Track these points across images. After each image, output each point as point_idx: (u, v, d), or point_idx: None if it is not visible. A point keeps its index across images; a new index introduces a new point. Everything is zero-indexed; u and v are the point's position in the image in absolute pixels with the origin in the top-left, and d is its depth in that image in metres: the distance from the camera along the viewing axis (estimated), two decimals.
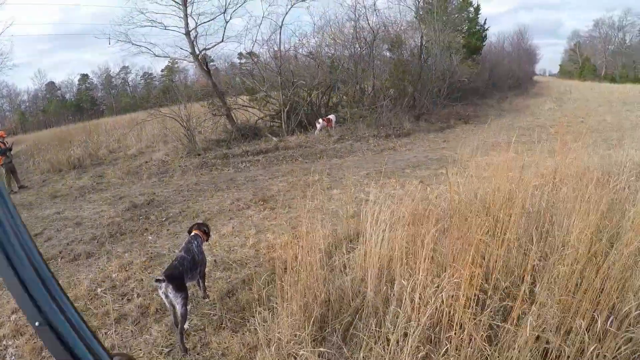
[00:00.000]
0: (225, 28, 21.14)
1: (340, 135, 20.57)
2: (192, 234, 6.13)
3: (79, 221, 11.17)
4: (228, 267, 7.40)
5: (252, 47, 22.85)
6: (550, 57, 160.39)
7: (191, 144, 19.44)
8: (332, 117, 21.98)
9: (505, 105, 32.19)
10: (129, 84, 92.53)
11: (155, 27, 20.78)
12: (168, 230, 9.80)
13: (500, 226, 4.71)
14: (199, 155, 18.61)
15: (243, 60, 32.81)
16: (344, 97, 25.29)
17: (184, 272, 5.40)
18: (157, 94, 25.69)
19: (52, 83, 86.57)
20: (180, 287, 5.18)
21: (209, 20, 20.96)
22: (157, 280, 5.06)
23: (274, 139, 20.49)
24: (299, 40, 24.90)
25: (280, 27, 21.87)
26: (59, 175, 18.70)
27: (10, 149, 16.62)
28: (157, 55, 21.58)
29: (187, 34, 20.99)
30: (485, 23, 39.39)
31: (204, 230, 6.32)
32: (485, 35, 40.13)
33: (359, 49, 24.58)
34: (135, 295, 6.66)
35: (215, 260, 7.67)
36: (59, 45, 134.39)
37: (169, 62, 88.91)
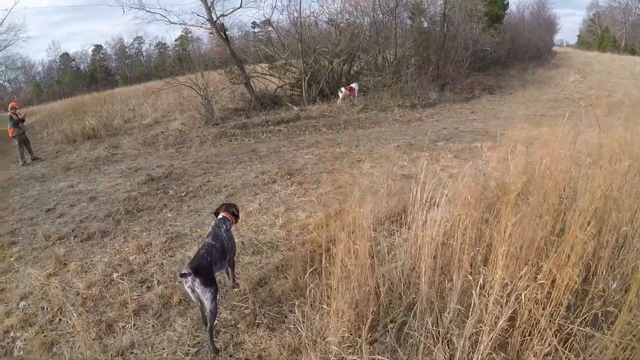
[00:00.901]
0: None
1: (364, 105, 19.80)
2: (220, 216, 5.44)
3: (93, 195, 10.51)
4: (258, 250, 6.68)
5: (272, 13, 21.88)
6: (567, 27, 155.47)
7: (209, 113, 18.72)
8: (354, 85, 21.16)
9: (528, 76, 30.87)
10: (142, 54, 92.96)
11: None
12: (189, 206, 9.08)
13: (592, 215, 3.91)
14: (217, 124, 17.90)
15: (257, 30, 31.95)
16: (365, 65, 24.36)
17: (213, 263, 4.71)
18: (172, 62, 24.56)
19: (66, 54, 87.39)
20: (209, 280, 4.48)
21: None
22: (183, 275, 4.33)
23: (295, 108, 19.77)
24: (320, 6, 23.76)
25: None
26: (72, 146, 18.11)
27: (22, 120, 16.07)
28: (172, 23, 20.70)
29: None
30: None
31: (233, 212, 5.61)
32: (507, 3, 37.83)
33: (380, 15, 23.58)
34: (156, 283, 5.98)
35: (242, 242, 6.95)
36: (71, 18, 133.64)
37: (183, 31, 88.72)
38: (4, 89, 75.09)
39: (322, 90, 21.45)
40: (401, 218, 5.95)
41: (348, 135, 14.98)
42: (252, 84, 21.10)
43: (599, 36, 80.00)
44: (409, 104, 20.03)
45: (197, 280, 4.37)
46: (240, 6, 20.19)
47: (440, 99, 21.48)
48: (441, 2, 25.56)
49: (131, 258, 6.84)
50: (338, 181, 9.49)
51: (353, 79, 22.83)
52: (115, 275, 6.35)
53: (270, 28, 22.70)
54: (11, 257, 7.53)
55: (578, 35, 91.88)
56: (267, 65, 22.98)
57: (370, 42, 23.16)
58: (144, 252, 6.99)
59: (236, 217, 5.68)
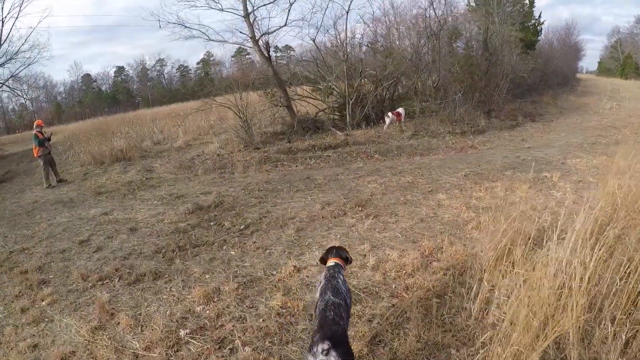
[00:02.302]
0: (289, 11, 18.85)
1: (415, 131, 18.62)
2: (331, 263, 4.35)
3: (133, 226, 9.13)
4: (356, 298, 5.38)
5: (317, 33, 20.61)
6: (586, 54, 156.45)
7: (248, 136, 17.33)
8: (401, 110, 19.90)
9: (561, 102, 30.33)
10: (164, 76, 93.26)
11: (211, 8, 18.53)
12: (254, 242, 7.65)
13: None
14: (258, 149, 16.57)
15: (279, 54, 31.02)
16: (408, 90, 23.19)
17: (346, 328, 3.58)
18: (208, 83, 23.40)
19: (87, 75, 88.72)
20: (348, 353, 3.31)
21: (270, 2, 18.65)
22: (324, 352, 3.13)
23: (339, 133, 18.48)
24: (367, 26, 22.52)
25: (347, 12, 19.68)
26: (101, 169, 16.72)
27: (49, 139, 14.81)
28: (211, 40, 19.33)
29: (246, 16, 18.68)
30: (540, 16, 37.18)
31: (344, 257, 4.49)
32: (541, 30, 38.21)
33: (424, 40, 22.41)
34: (240, 344, 4.58)
35: None
36: (93, 39, 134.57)
37: (205, 54, 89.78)
38: (25, 107, 74.84)
39: (366, 115, 20.21)
40: (507, 257, 5.02)
41: (405, 163, 13.83)
42: (294, 107, 19.73)
43: (620, 63, 79.82)
44: (459, 130, 18.94)
45: (334, 353, 3.17)
46: (285, 24, 18.91)
47: (488, 126, 20.41)
48: (476, 28, 25.78)
49: (198, 309, 5.44)
50: (417, 214, 8.49)
51: (397, 104, 21.62)
52: (182, 332, 4.93)
53: (295, 50, 21.37)
54: (42, 300, 6.18)
55: (599, 62, 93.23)
56: (309, 87, 21.74)
57: (414, 66, 21.90)
58: (214, 301, 5.61)
59: (348, 261, 4.58)
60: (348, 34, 20.80)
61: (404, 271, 5.96)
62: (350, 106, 19.72)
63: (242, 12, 18.75)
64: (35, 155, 14.76)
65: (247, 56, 71.33)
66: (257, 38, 18.58)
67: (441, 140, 17.66)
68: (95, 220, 9.89)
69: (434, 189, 10.25)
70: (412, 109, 21.15)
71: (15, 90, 40.40)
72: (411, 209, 8.78)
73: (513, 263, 4.76)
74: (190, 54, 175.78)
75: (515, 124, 21.67)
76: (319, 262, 4.70)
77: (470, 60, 23.66)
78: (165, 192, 11.95)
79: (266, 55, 18.86)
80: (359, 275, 6.04)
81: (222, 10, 18.45)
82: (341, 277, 4.11)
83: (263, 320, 5.00)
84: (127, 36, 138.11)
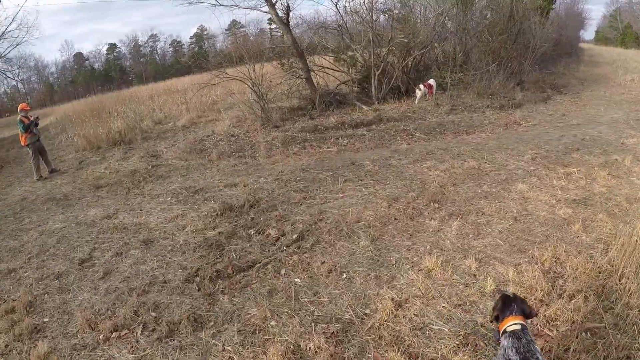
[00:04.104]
0: None
1: (452, 106, 16.77)
2: (513, 324, 3.19)
3: (147, 236, 7.08)
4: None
5: None
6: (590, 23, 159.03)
7: (265, 113, 15.18)
8: (432, 82, 18.06)
9: (578, 73, 29.58)
10: (157, 52, 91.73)
11: None
12: (323, 263, 5.69)
13: None
14: (278, 127, 14.48)
15: (273, 26, 29.02)
16: (433, 61, 21.24)
17: None
18: (215, 55, 20.94)
19: (79, 54, 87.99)
20: None
21: None
22: None
23: (365, 107, 16.51)
24: None
25: None
26: (97, 154, 14.56)
27: (36, 124, 12.57)
28: (220, 4, 16.67)
29: None
30: None
31: (527, 312, 3.37)
32: None
33: (452, 6, 20.31)
34: None
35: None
36: (82, 17, 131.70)
37: (198, 28, 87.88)
38: (17, 89, 72.83)
39: (397, 87, 18.30)
40: None
41: (457, 143, 12.09)
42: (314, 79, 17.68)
43: (620, 32, 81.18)
44: (497, 104, 17.38)
45: None
46: None
47: (523, 99, 18.97)
48: None
49: None
50: (506, 211, 7.10)
51: (423, 75, 19.70)
52: None
53: (337, 13, 18.77)
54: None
55: (596, 31, 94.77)
56: (330, 58, 19.58)
57: (436, 34, 19.94)
58: None
59: (530, 315, 3.44)
60: None
61: (533, 296, 4.70)
62: (376, 78, 17.69)
63: None
64: (22, 143, 12.58)
65: (241, 29, 69.44)
66: (274, 1, 16.21)
67: (481, 115, 16.01)
68: (97, 226, 7.86)
69: (508, 177, 8.85)
70: (443, 81, 19.23)
71: (5, 72, 38.56)
72: (496, 205, 7.33)
73: None
74: (182, 29, 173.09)
75: (547, 97, 20.45)
76: (491, 321, 3.60)
77: (500, 27, 21.53)
78: (179, 185, 9.84)
79: (285, 21, 16.50)
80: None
81: None
82: (533, 344, 3.02)
83: None
84: (116, 13, 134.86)
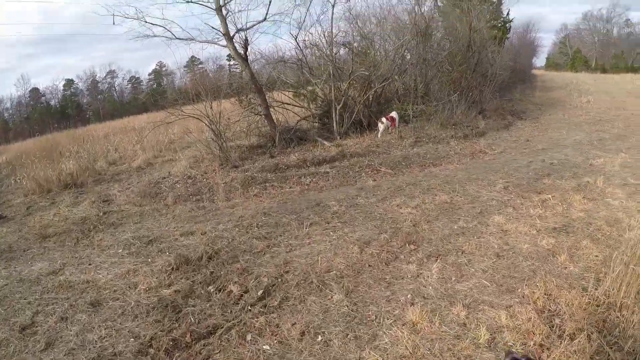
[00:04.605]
0: (270, 2, 16.04)
1: (416, 138, 16.64)
2: None
3: (95, 297, 6.32)
4: None
5: (299, 29, 17.81)
6: (541, 50, 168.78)
7: (223, 152, 14.57)
8: (394, 114, 17.91)
9: (534, 99, 31.21)
10: (115, 89, 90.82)
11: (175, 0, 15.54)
12: (293, 325, 5.10)
13: None
14: (237, 167, 13.85)
15: (232, 62, 28.84)
16: (394, 93, 21.24)
17: None
18: (171, 92, 20.31)
19: (36, 89, 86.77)
20: None
21: None
22: None
23: (326, 143, 16.11)
24: (351, 24, 20.23)
25: (333, 5, 17.42)
26: (47, 199, 13.62)
27: None
28: (177, 38, 15.64)
29: (219, 9, 15.57)
30: (508, 14, 36.73)
31: None
32: (510, 27, 37.55)
33: (409, 37, 20.28)
34: None
35: None
36: (42, 50, 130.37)
37: (157, 64, 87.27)
38: None
39: (359, 121, 18.21)
40: None
41: (425, 177, 11.86)
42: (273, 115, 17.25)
43: (570, 57, 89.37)
44: (461, 134, 17.51)
45: None
46: (265, 19, 16.05)
47: (486, 127, 19.36)
48: (443, 29, 24.77)
49: None
50: (486, 247, 6.89)
51: (384, 108, 19.67)
52: None
53: (299, 46, 18.40)
54: None
55: (547, 58, 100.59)
56: (289, 93, 19.27)
57: (396, 67, 20.00)
58: None
59: None
60: (336, 29, 18.75)
61: (532, 341, 4.40)
62: (337, 112, 17.40)
63: (213, 5, 15.69)
64: None
65: (199, 65, 69.09)
66: (232, 35, 15.69)
67: (446, 145, 15.93)
68: (41, 284, 7.08)
69: (483, 209, 8.70)
70: (405, 113, 19.21)
71: None
72: (476, 242, 7.12)
73: None
74: (141, 65, 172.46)
75: (508, 124, 20.94)
76: None
77: (460, 57, 22.11)
78: (131, 235, 9.07)
79: (243, 54, 15.98)
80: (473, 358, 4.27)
81: (189, 2, 15.34)
82: None
83: None
84: (78, 47, 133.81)
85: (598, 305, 4.79)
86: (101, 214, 11.08)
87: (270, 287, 6.01)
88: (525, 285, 5.48)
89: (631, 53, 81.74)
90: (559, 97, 32.47)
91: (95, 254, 8.23)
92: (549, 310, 4.88)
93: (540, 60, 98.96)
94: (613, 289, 4.84)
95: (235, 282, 6.24)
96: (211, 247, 7.58)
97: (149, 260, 7.51)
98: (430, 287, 5.69)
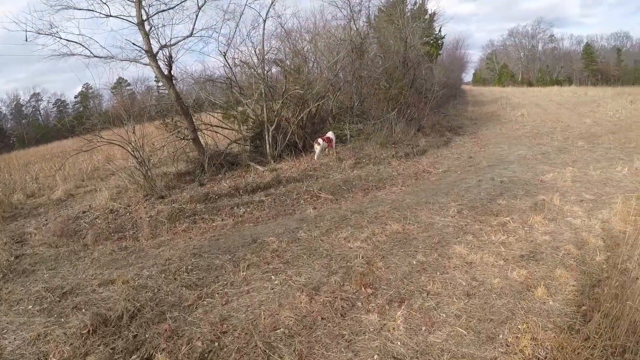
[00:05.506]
0: (197, 17, 14.97)
1: (356, 159, 15.95)
2: None
3: None
4: None
5: (227, 47, 16.86)
6: (470, 66, 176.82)
7: (148, 181, 13.39)
8: (331, 135, 17.16)
9: (468, 114, 32.28)
10: (40, 112, 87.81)
11: (94, 14, 14.11)
12: None
13: None
14: (163, 197, 12.70)
15: (160, 83, 28.10)
16: (329, 112, 20.53)
17: None
18: (88, 116, 18.92)
19: None
20: None
21: (174, 6, 14.67)
22: None
23: (260, 168, 15.22)
24: (282, 41, 19.49)
25: (265, 20, 16.64)
26: None
27: None
28: (95, 56, 14.27)
29: (141, 23, 14.39)
30: (440, 31, 37.96)
31: None
32: (442, 44, 39.57)
33: (344, 54, 20.00)
34: None
35: None
36: None
37: (83, 87, 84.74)
38: None
39: (293, 143, 17.41)
40: None
41: (371, 203, 11.08)
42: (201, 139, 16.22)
43: (497, 72, 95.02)
44: (402, 153, 17.09)
45: None
46: (192, 34, 14.96)
47: (426, 144, 19.13)
48: (376, 46, 24.25)
49: None
50: (453, 286, 6.27)
51: (319, 128, 19.09)
52: None
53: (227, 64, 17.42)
54: None
55: (474, 73, 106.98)
56: (218, 114, 18.30)
57: (330, 85, 19.60)
58: None
59: None
60: (268, 46, 17.91)
61: None
62: (270, 134, 16.51)
63: (135, 19, 14.46)
64: None
65: (127, 87, 67.50)
66: (155, 52, 14.55)
67: (388, 166, 15.30)
68: None
69: (440, 238, 8.15)
70: (342, 133, 18.73)
71: None
72: (440, 278, 6.50)
73: None
74: (67, 87, 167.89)
75: (447, 140, 20.95)
76: None
77: (396, 74, 21.98)
78: (44, 285, 7.79)
79: (167, 73, 14.83)
80: None
81: (109, 16, 14.05)
82: None
83: None
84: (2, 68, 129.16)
85: (593, 348, 4.34)
86: (12, 258, 9.68)
87: (206, 355, 5.01)
88: (507, 329, 4.97)
89: (555, 67, 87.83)
90: (492, 111, 33.36)
91: (3, 312, 6.98)
92: (539, 358, 4.43)
93: (468, 76, 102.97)
94: (604, 324, 4.55)
95: (163, 349, 5.17)
96: (133, 303, 6.46)
97: (62, 319, 6.33)
98: (399, 343, 4.95)
